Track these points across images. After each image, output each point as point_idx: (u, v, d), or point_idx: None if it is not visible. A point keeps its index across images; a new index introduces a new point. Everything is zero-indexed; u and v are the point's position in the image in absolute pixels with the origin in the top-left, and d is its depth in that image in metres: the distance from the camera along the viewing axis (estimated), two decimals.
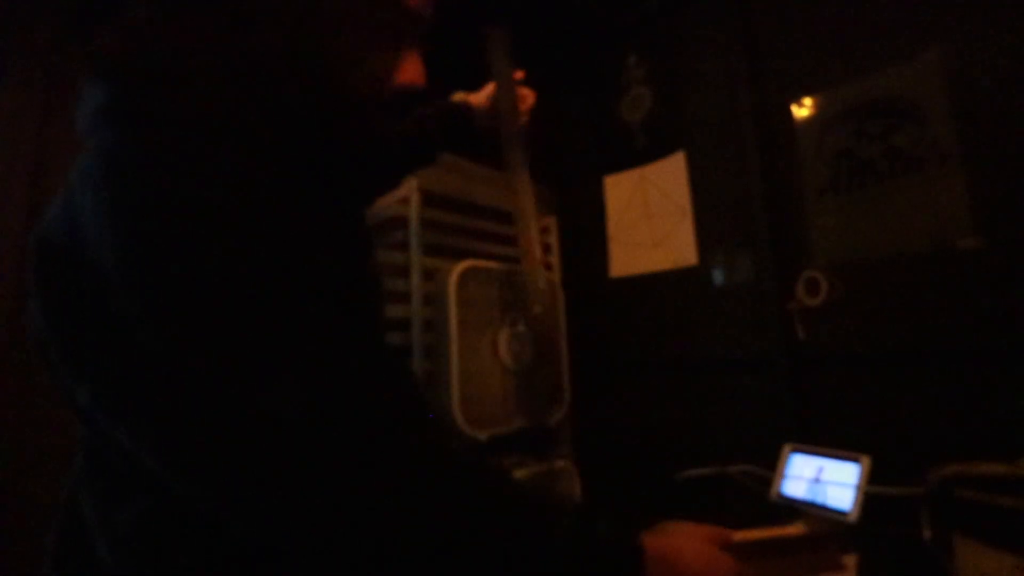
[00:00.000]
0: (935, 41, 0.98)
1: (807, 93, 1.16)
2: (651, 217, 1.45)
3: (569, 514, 0.40)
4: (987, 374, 0.91)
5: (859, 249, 1.07)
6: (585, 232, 1.60)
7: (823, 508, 0.88)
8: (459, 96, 0.83)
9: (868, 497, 0.85)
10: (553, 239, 1.63)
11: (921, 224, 0.99)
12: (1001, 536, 0.55)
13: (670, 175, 1.40)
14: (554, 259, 1.62)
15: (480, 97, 0.82)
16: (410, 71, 0.51)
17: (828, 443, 0.97)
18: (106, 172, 0.34)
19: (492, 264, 1.29)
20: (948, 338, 0.95)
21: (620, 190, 1.53)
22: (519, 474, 1.24)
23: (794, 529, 0.66)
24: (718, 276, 1.31)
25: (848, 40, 1.10)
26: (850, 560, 0.68)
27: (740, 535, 0.54)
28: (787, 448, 1.01)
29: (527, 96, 0.85)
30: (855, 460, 0.90)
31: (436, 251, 1.30)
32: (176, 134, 0.35)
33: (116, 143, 0.36)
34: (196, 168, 0.35)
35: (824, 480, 0.92)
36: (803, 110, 1.17)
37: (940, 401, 0.96)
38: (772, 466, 1.01)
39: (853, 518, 0.83)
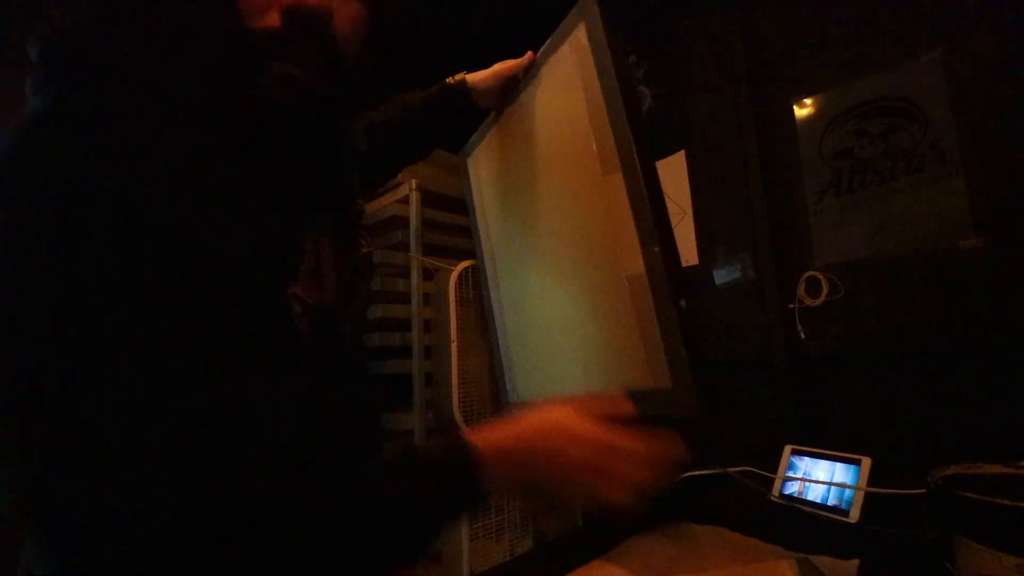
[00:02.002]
0: (935, 41, 0.98)
1: (807, 93, 1.16)
2: None
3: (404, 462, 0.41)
4: (987, 374, 0.91)
5: (859, 249, 1.07)
6: None
7: (823, 509, 0.88)
8: (457, 77, 0.82)
9: (868, 497, 0.85)
10: None
11: (921, 224, 0.99)
12: (1002, 536, 0.55)
13: (670, 175, 1.40)
14: None
15: (481, 75, 0.82)
16: (346, 18, 0.45)
17: (829, 443, 0.97)
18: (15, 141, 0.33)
19: None
20: (948, 338, 0.95)
21: None
22: None
23: (780, 569, 0.66)
24: (718, 276, 1.31)
25: (848, 40, 1.10)
26: (851, 565, 0.68)
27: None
28: (788, 449, 1.01)
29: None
30: (855, 461, 0.90)
31: (436, 251, 1.30)
32: (103, 93, 0.35)
33: (42, 106, 0.35)
34: (110, 141, 0.33)
35: (825, 481, 0.92)
36: (803, 110, 1.17)
37: (940, 401, 0.95)
38: (773, 467, 1.01)
39: (853, 519, 0.83)
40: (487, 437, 0.43)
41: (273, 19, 0.40)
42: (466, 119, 0.89)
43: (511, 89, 0.85)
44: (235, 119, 0.42)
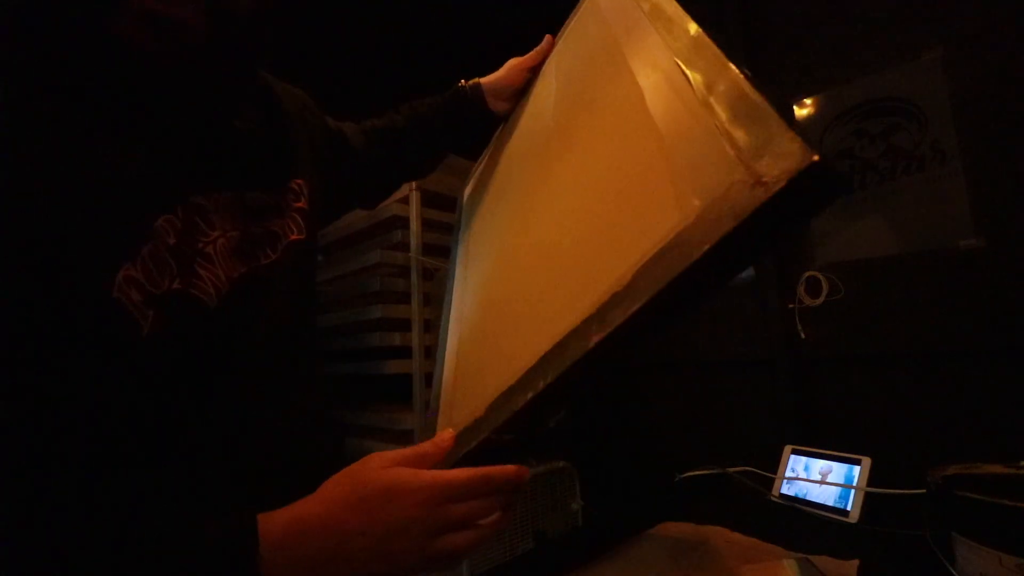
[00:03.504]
0: (936, 41, 0.98)
1: (807, 93, 1.16)
2: None
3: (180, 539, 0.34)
4: (987, 374, 0.91)
5: (859, 249, 1.07)
6: None
7: (823, 509, 0.88)
8: (472, 81, 0.75)
9: (868, 497, 0.85)
10: None
11: (921, 224, 0.99)
12: (1002, 536, 0.55)
13: None
14: None
15: (494, 75, 0.74)
16: None
17: (829, 444, 0.97)
18: None
19: None
20: (948, 338, 0.95)
21: None
22: None
23: (780, 569, 0.66)
24: None
25: (848, 40, 1.10)
26: (851, 565, 0.68)
27: None
28: (787, 449, 1.01)
29: None
30: (855, 461, 0.90)
31: (436, 251, 1.30)
32: None
33: None
34: None
35: (824, 481, 0.92)
36: (803, 110, 1.17)
37: (940, 401, 0.95)
38: (773, 467, 1.01)
39: (853, 518, 0.83)
40: (278, 517, 0.34)
41: None
42: (480, 129, 0.78)
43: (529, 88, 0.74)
44: (67, 67, 0.36)
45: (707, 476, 1.08)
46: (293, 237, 0.49)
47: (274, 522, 0.34)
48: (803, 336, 1.12)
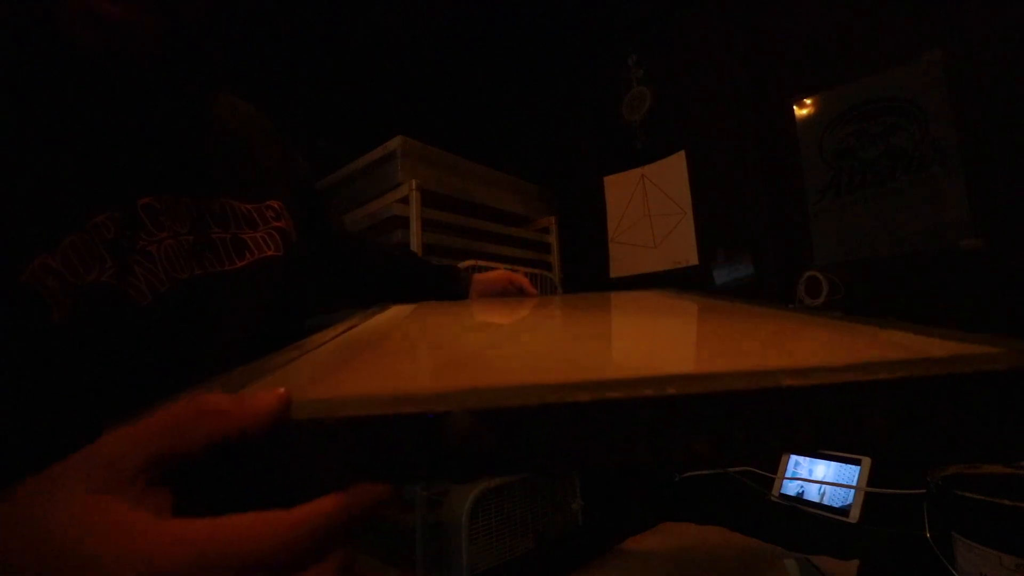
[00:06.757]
0: (936, 42, 0.98)
1: (807, 93, 1.16)
2: (651, 217, 1.45)
3: None
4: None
5: (859, 249, 1.07)
6: (585, 232, 1.60)
7: (823, 509, 0.88)
8: (467, 265, 0.84)
9: (868, 497, 0.85)
10: (553, 239, 1.63)
11: (921, 224, 0.99)
12: (1002, 536, 0.55)
13: (670, 175, 1.40)
14: (554, 259, 1.62)
15: (485, 277, 0.82)
16: None
17: None
18: None
19: (492, 264, 1.29)
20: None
21: (620, 190, 1.53)
22: (520, 476, 1.24)
23: (780, 569, 0.66)
24: (718, 276, 1.31)
25: (849, 40, 1.10)
26: (851, 565, 0.68)
27: None
28: None
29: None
30: (855, 461, 0.90)
31: (436, 251, 1.30)
32: None
33: None
34: None
35: (824, 481, 0.92)
36: (804, 110, 1.17)
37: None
38: (773, 467, 1.00)
39: (853, 519, 0.83)
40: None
41: None
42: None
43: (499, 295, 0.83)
44: (16, 63, 0.36)
45: (707, 476, 1.08)
46: (269, 253, 0.48)
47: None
48: None
